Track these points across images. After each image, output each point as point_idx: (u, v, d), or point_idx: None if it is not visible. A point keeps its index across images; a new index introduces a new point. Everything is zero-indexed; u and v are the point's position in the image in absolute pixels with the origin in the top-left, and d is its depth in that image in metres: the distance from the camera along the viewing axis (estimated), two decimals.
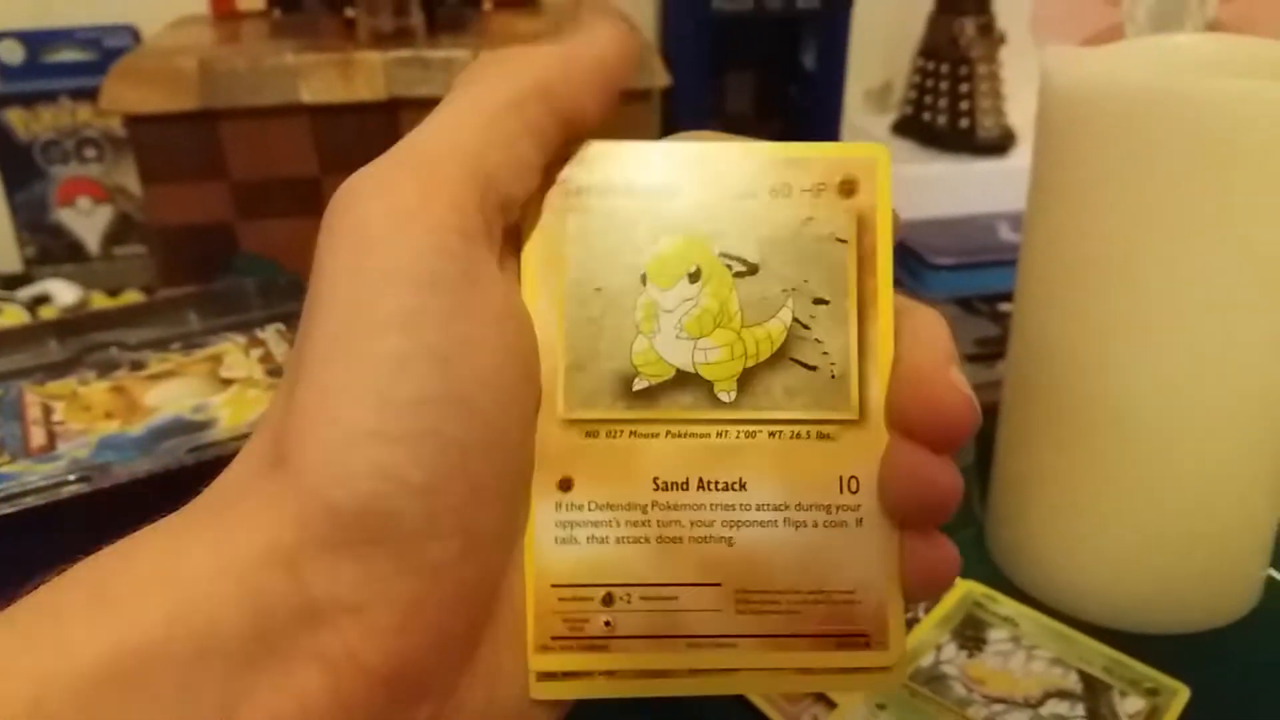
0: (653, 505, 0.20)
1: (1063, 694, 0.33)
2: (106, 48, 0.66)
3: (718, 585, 0.20)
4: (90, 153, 0.67)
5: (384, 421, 0.17)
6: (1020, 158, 0.70)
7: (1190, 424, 0.34)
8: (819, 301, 0.21)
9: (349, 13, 0.60)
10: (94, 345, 0.45)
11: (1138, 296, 0.33)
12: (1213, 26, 0.71)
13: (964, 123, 0.70)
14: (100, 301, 0.65)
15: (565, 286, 0.20)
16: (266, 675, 0.16)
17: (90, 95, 0.64)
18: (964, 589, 0.38)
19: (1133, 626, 0.36)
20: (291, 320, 0.47)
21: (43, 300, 0.63)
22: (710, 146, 0.21)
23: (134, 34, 0.67)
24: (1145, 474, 0.35)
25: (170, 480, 0.35)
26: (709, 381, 0.20)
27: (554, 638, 0.20)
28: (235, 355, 0.44)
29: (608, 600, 0.20)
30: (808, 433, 0.20)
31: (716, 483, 0.20)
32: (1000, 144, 0.70)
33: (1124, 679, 0.34)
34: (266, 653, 0.16)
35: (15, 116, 0.65)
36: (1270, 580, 0.38)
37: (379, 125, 0.55)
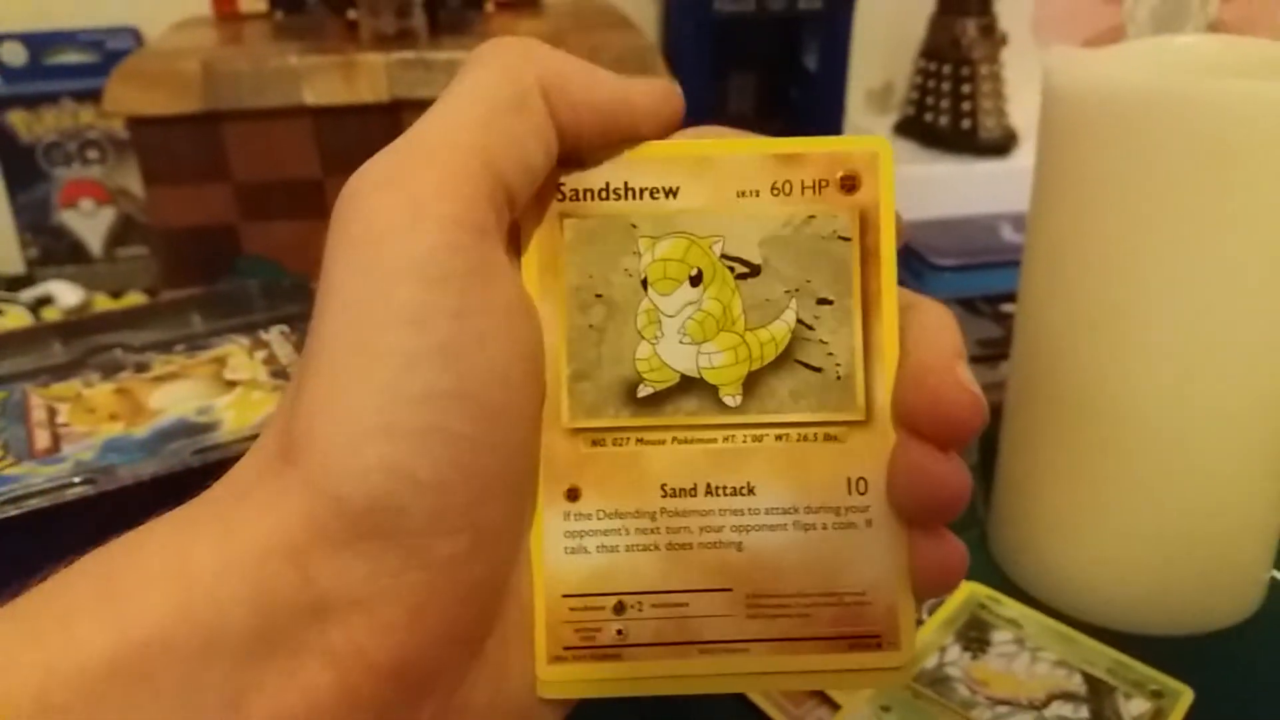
0: (661, 512, 0.20)
1: (1067, 696, 0.33)
2: (109, 49, 0.66)
3: (728, 590, 0.20)
4: (93, 154, 0.67)
5: (393, 417, 0.17)
6: (1022, 158, 0.70)
7: (1194, 425, 0.34)
8: (823, 301, 0.20)
9: (351, 14, 0.60)
10: (98, 347, 0.45)
11: (1141, 297, 0.33)
12: (1214, 27, 0.71)
13: (966, 123, 0.70)
14: (103, 303, 0.65)
15: (565, 294, 0.20)
16: (273, 670, 0.16)
17: (93, 97, 0.64)
18: (968, 590, 0.38)
19: (1137, 628, 0.36)
20: (295, 322, 0.47)
21: (45, 302, 0.63)
22: (708, 145, 0.21)
23: (136, 36, 0.67)
24: (1149, 475, 0.35)
25: (175, 482, 0.35)
26: (714, 386, 0.20)
27: (566, 648, 0.20)
28: (239, 357, 0.44)
29: (619, 609, 0.20)
30: (814, 435, 0.20)
31: (724, 488, 0.20)
32: (1002, 145, 0.70)
33: (1128, 681, 0.34)
34: (273, 647, 0.16)
35: (18, 118, 0.65)
36: (1274, 582, 0.38)
37: (381, 127, 0.55)
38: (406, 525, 0.17)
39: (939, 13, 0.71)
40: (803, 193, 0.20)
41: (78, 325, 0.46)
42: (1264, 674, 0.35)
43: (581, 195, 0.20)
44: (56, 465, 0.36)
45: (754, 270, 0.20)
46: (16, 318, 0.60)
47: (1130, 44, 0.40)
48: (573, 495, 0.20)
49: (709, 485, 0.20)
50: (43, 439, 0.38)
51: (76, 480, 0.35)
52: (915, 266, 0.60)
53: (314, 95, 0.54)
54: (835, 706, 0.32)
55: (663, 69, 0.58)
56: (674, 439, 0.20)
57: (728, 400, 0.20)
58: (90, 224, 0.68)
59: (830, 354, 0.20)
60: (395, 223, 0.17)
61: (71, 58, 0.66)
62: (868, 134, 0.27)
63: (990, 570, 0.40)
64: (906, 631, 0.20)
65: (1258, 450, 0.34)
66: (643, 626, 0.20)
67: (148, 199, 0.57)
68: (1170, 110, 0.31)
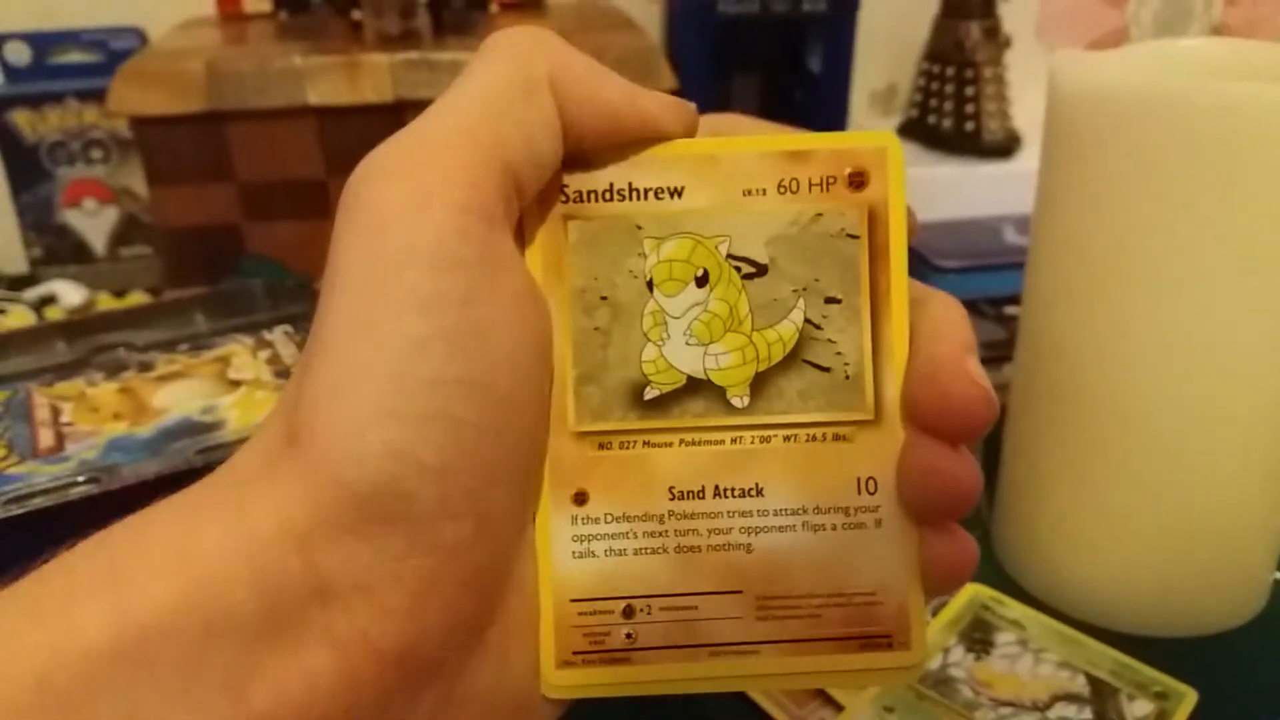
0: (669, 515, 0.20)
1: (1070, 697, 0.33)
2: (113, 49, 0.66)
3: (738, 592, 0.20)
4: (96, 154, 0.67)
5: (399, 402, 0.17)
6: (1026, 160, 0.70)
7: (1198, 426, 0.34)
8: (831, 300, 0.20)
9: (355, 15, 0.60)
10: (102, 346, 0.45)
11: (1145, 299, 0.33)
12: (1218, 30, 0.71)
13: (969, 126, 0.70)
14: (106, 303, 0.65)
15: (570, 296, 0.20)
16: (276, 654, 0.16)
17: (97, 97, 0.64)
18: (971, 592, 0.38)
19: (1140, 630, 0.36)
20: (298, 322, 0.47)
21: (49, 301, 0.63)
22: (713, 144, 0.20)
23: (140, 36, 0.67)
24: (1153, 477, 0.35)
25: (179, 481, 0.35)
26: (721, 387, 0.20)
27: (575, 652, 0.20)
28: (243, 356, 0.44)
29: (628, 612, 0.20)
30: (823, 435, 0.20)
31: (733, 489, 0.20)
32: (1005, 147, 0.70)
33: (1131, 682, 0.34)
34: (276, 632, 0.16)
35: (22, 118, 0.65)
36: (1278, 583, 0.38)
37: (385, 127, 0.54)
38: (411, 510, 0.17)
39: (943, 15, 0.71)
40: (810, 190, 0.20)
41: (81, 324, 0.47)
42: (1267, 675, 0.35)
43: (585, 197, 0.20)
44: (60, 464, 0.36)
45: (761, 270, 0.20)
46: (20, 317, 0.60)
47: (1134, 46, 0.40)
48: (580, 499, 0.20)
49: (717, 487, 0.20)
50: (46, 438, 0.38)
51: (80, 479, 0.35)
52: (918, 268, 0.60)
53: (318, 95, 0.54)
54: (838, 707, 0.32)
55: (666, 70, 0.58)
56: (681, 441, 0.20)
57: (735, 401, 0.20)
58: (94, 223, 0.68)
59: (839, 353, 0.20)
60: (403, 209, 0.17)
61: (75, 57, 0.66)
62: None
63: (994, 572, 0.40)
64: (918, 631, 0.20)
65: (1261, 452, 0.34)
66: (652, 630, 0.20)
67: (151, 199, 0.57)
68: (1174, 113, 0.31)
